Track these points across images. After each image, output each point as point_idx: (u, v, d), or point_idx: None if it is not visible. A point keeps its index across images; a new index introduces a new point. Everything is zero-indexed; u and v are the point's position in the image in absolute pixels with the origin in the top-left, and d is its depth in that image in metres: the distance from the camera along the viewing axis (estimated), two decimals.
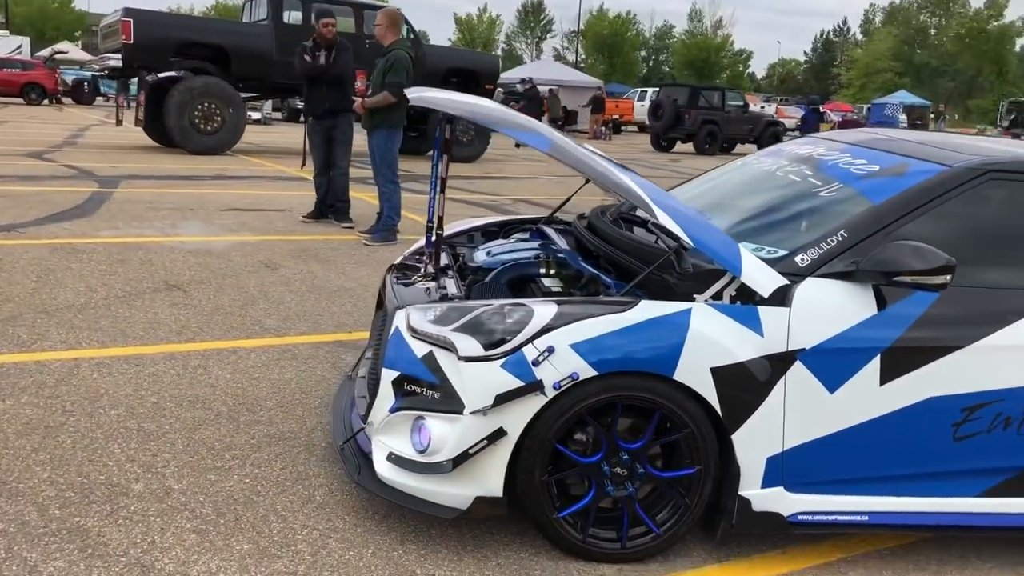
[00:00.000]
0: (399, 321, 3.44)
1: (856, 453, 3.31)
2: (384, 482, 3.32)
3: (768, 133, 29.07)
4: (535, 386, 3.07)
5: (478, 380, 3.12)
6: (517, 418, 3.11)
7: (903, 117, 48.21)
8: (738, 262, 3.22)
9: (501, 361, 3.10)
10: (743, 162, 4.52)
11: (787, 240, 3.47)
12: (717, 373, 3.16)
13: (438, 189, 3.87)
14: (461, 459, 3.13)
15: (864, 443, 3.30)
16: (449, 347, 3.21)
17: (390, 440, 3.36)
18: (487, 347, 3.13)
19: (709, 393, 3.16)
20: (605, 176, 3.38)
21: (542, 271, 3.86)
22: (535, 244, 4.29)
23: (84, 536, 3.13)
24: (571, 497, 3.28)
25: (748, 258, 3.24)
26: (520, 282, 3.81)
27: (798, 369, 3.21)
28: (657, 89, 33.49)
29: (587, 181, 3.98)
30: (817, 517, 3.33)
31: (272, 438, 4.05)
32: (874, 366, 3.25)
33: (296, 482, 3.67)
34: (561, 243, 4.25)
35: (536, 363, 3.08)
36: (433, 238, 4.02)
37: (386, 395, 3.35)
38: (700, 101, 28.83)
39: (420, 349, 3.29)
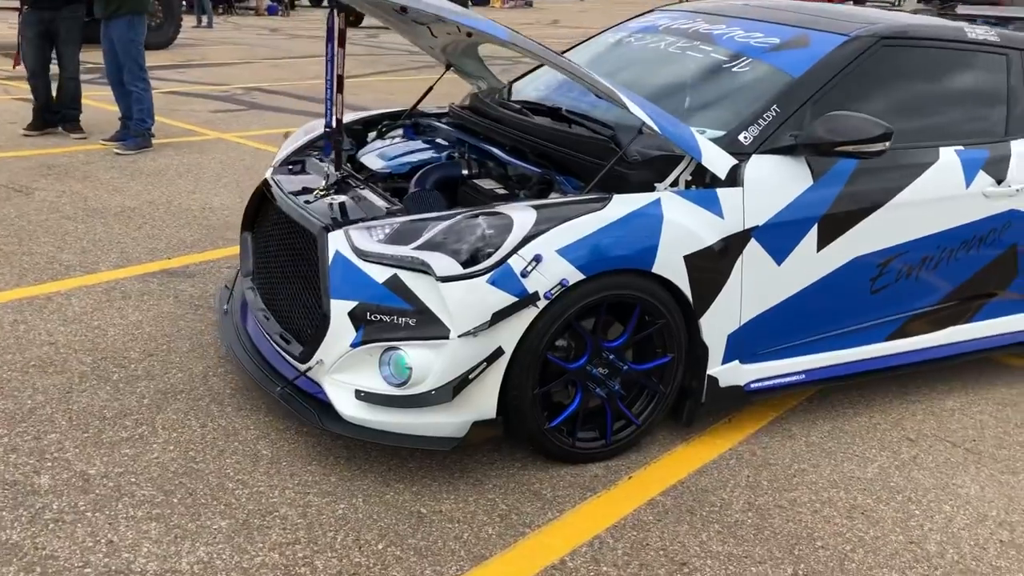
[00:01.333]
0: (338, 244, 3.06)
1: (796, 318, 3.49)
2: (356, 423, 3.01)
3: None
4: (530, 299, 2.89)
5: (463, 300, 2.88)
6: (511, 334, 2.92)
7: None
8: (697, 145, 3.18)
9: (487, 276, 2.87)
10: (619, 40, 4.43)
11: (720, 119, 3.48)
12: (689, 260, 3.15)
13: (335, 88, 3.41)
14: (461, 385, 2.90)
15: (802, 308, 3.48)
16: (420, 268, 2.91)
17: (352, 377, 3.03)
18: (467, 263, 2.87)
19: (682, 281, 3.15)
20: (565, 64, 3.15)
21: (465, 172, 3.58)
22: (427, 142, 3.97)
23: (19, 553, 2.56)
24: (555, 405, 3.17)
25: (703, 141, 3.21)
26: (444, 187, 3.51)
27: (752, 246, 3.29)
28: None
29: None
30: (766, 383, 3.50)
31: (166, 394, 3.52)
32: (812, 234, 3.40)
33: (228, 439, 3.24)
34: (448, 139, 3.97)
35: (524, 274, 2.89)
36: (332, 144, 3.57)
37: (341, 329, 3.00)
38: None
39: (380, 274, 2.96)
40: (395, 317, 2.95)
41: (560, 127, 3.55)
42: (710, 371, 3.34)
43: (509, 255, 2.89)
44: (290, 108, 9.96)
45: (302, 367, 3.15)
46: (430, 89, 4.30)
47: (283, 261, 3.46)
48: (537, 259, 2.89)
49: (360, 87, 11.67)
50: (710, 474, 3.24)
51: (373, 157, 3.81)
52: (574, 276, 2.95)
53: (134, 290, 4.52)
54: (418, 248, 2.94)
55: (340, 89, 3.42)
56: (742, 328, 3.37)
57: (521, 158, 3.52)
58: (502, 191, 3.38)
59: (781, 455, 3.41)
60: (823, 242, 3.44)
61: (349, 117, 4.25)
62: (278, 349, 3.35)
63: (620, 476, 3.18)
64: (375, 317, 2.96)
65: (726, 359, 3.37)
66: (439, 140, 3.99)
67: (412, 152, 3.80)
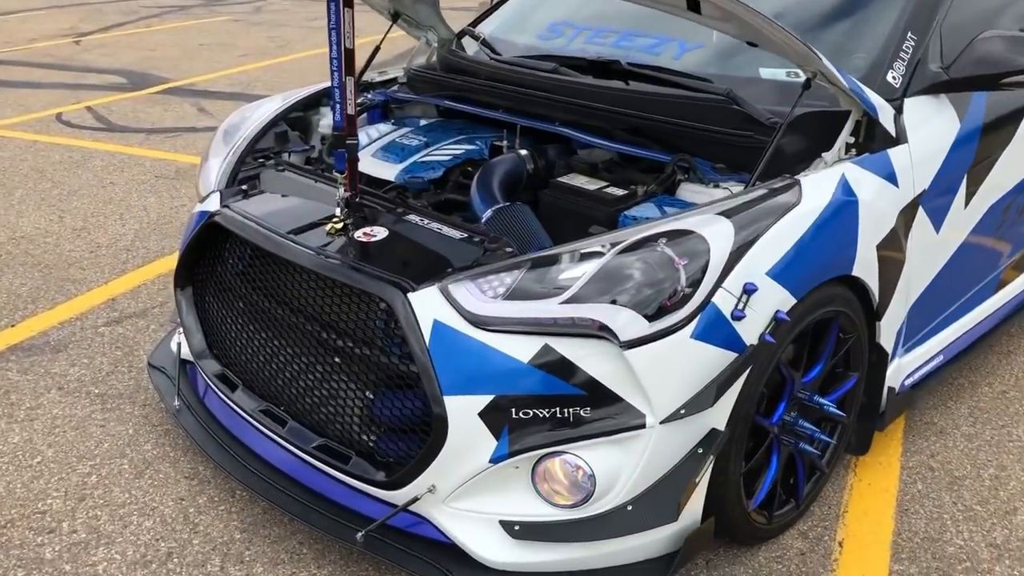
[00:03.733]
0: (434, 310, 2.01)
1: (943, 291, 2.85)
2: (512, 570, 2.04)
3: None
4: (750, 351, 2.01)
5: (662, 368, 1.95)
6: (723, 404, 2.03)
7: None
8: (867, 95, 2.38)
9: (690, 329, 1.95)
10: None
11: (847, 56, 2.68)
12: (880, 251, 2.39)
13: (343, 69, 2.25)
14: (685, 494, 1.99)
15: (949, 278, 2.83)
16: (586, 331, 1.94)
17: (491, 504, 2.05)
18: (655, 315, 1.93)
19: (872, 278, 2.39)
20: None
21: (531, 167, 2.56)
22: (429, 130, 2.89)
23: None
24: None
25: (867, 90, 2.42)
26: (507, 194, 2.49)
27: (920, 217, 2.58)
28: None
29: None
30: (916, 376, 2.84)
31: (149, 568, 2.31)
32: (962, 188, 2.75)
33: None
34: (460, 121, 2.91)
35: (737, 316, 2.00)
36: (345, 154, 2.37)
37: (467, 439, 1.99)
38: None
39: (521, 348, 1.96)
40: (558, 409, 1.96)
41: (649, 89, 2.60)
42: (889, 382, 2.63)
43: (712, 292, 1.98)
44: (44, 81, 8.01)
45: (397, 497, 2.10)
46: (377, 50, 3.16)
47: (308, 340, 2.32)
48: (748, 291, 2.01)
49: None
50: (915, 512, 2.55)
51: (377, 162, 2.69)
52: (787, 303, 2.10)
53: None
54: (572, 301, 1.95)
55: (351, 70, 2.27)
56: (906, 318, 2.67)
57: (607, 138, 2.55)
58: (619, 191, 2.41)
59: (958, 462, 2.78)
60: (969, 195, 2.79)
61: (271, 106, 3.06)
62: (328, 470, 2.25)
63: (829, 547, 2.42)
64: (525, 414, 1.97)
65: (891, 359, 2.66)
66: (446, 125, 2.92)
67: (429, 147, 2.72)
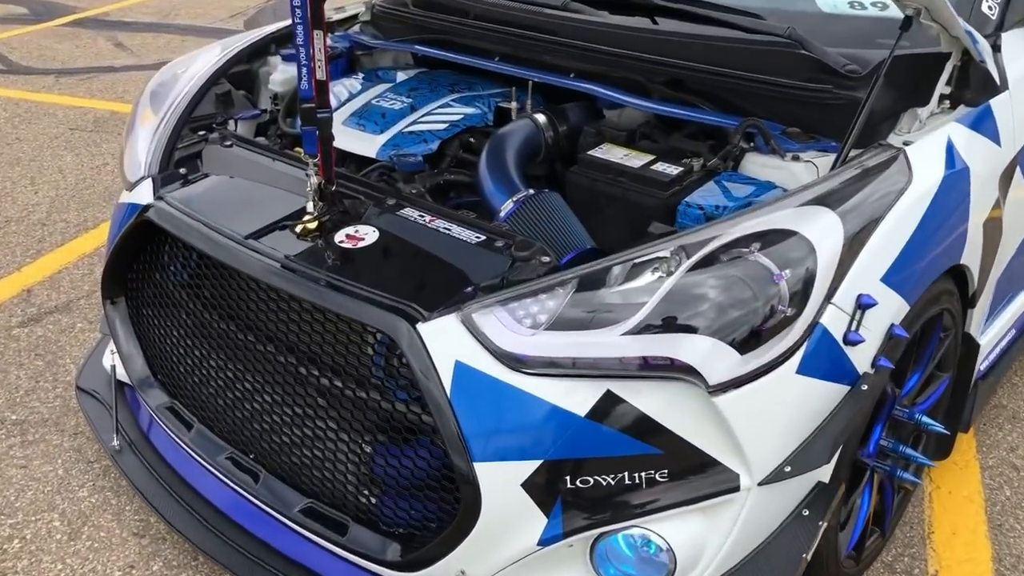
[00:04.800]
0: (455, 347, 1.52)
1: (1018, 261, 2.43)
2: None
3: None
4: (864, 383, 1.57)
5: (761, 415, 1.49)
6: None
7: None
8: (974, 33, 1.90)
9: (796, 362, 1.49)
10: None
11: None
12: (985, 228, 1.94)
13: (310, 21, 1.67)
14: (788, 569, 1.56)
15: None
16: (662, 372, 1.47)
17: None
18: (749, 346, 1.46)
19: (975, 262, 1.96)
20: None
21: (550, 135, 2.04)
22: (413, 88, 2.33)
23: None
24: None
25: (967, 26, 1.94)
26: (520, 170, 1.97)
27: (1017, 178, 2.13)
28: None
29: None
30: (991, 358, 2.44)
31: None
32: None
33: None
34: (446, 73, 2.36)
35: (850, 340, 1.54)
36: (316, 131, 1.81)
37: (505, 515, 1.52)
38: None
39: (576, 396, 1.48)
40: (626, 475, 1.50)
41: (690, 29, 2.06)
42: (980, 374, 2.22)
43: (820, 311, 1.52)
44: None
45: None
46: None
47: (281, 373, 1.80)
48: (864, 305, 1.55)
49: None
50: (1011, 528, 2.18)
51: (350, 132, 2.13)
52: (901, 313, 1.65)
53: None
54: (640, 332, 1.47)
55: (320, 20, 1.70)
56: (991, 298, 2.25)
57: (642, 95, 2.03)
58: (672, 168, 1.89)
59: None
60: None
61: (208, 59, 2.47)
62: (315, 538, 1.77)
63: None
64: (583, 482, 1.50)
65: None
66: (432, 79, 2.36)
67: (416, 111, 2.17)
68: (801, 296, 1.49)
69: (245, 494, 1.88)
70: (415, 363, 1.52)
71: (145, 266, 2.09)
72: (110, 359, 2.28)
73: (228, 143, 2.13)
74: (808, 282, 1.50)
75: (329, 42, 2.49)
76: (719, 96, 2.00)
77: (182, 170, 2.09)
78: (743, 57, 1.98)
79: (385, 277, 1.66)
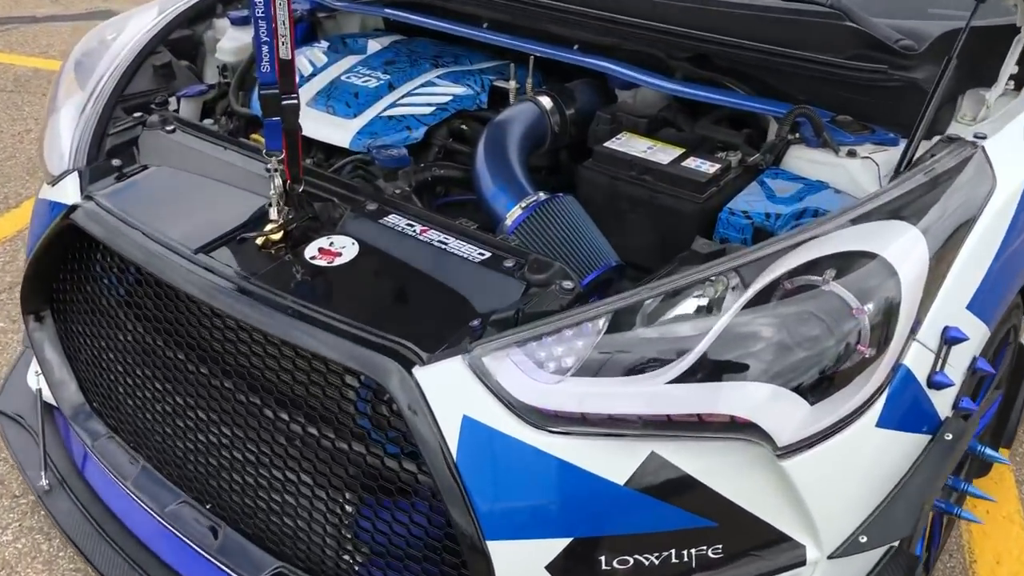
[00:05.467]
0: (459, 398, 1.23)
1: None
2: None
3: None
4: (947, 431, 1.32)
5: (834, 477, 1.24)
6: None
7: None
8: None
9: (876, 412, 1.24)
10: None
11: None
12: None
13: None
14: None
15: None
16: (718, 432, 1.20)
17: None
18: (817, 391, 1.20)
19: None
20: None
21: (555, 123, 1.73)
22: (388, 61, 1.99)
23: None
24: None
25: None
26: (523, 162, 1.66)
27: None
28: None
29: None
30: None
31: None
32: None
33: None
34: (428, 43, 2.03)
35: (938, 384, 1.29)
36: (281, 123, 1.47)
37: None
38: None
39: (614, 460, 1.21)
40: (673, 552, 1.24)
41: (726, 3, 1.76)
42: None
43: (904, 350, 1.26)
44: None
45: None
46: None
47: (242, 413, 1.50)
48: (951, 340, 1.29)
49: None
50: None
51: (317, 116, 1.79)
52: (982, 342, 1.40)
53: None
54: (689, 380, 1.19)
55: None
56: None
57: (662, 74, 1.73)
58: (708, 164, 1.59)
59: None
60: None
61: (143, 22, 2.11)
62: None
63: None
64: (622, 563, 1.24)
65: None
66: (411, 51, 2.02)
67: (395, 89, 1.83)
68: (883, 333, 1.23)
69: (201, 551, 1.58)
70: (411, 419, 1.24)
71: (74, 276, 1.76)
72: (36, 380, 1.95)
73: (170, 127, 1.79)
74: (890, 315, 1.24)
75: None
76: (752, 76, 1.71)
77: (115, 161, 1.75)
78: (780, 29, 1.69)
79: (369, 306, 1.36)
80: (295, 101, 1.47)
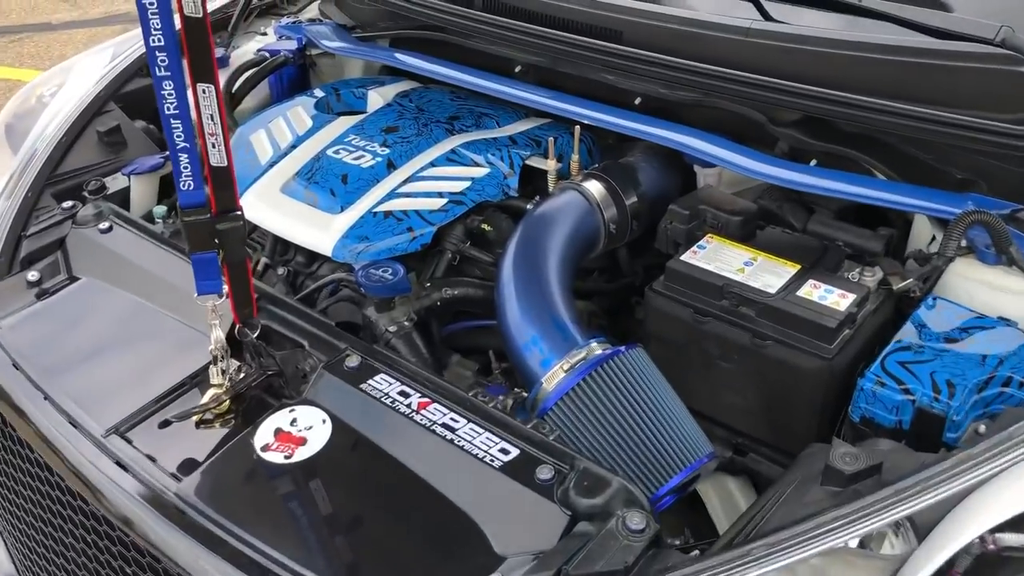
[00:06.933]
0: None
1: None
2: None
3: None
4: None
5: None
6: None
7: None
8: None
9: None
10: None
11: None
12: None
13: (188, 66, 0.90)
14: None
15: None
16: None
17: None
18: None
19: None
20: None
21: (612, 222, 1.26)
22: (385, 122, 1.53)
23: None
24: None
25: None
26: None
27: None
28: None
29: None
30: None
31: None
32: None
33: None
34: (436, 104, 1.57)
35: None
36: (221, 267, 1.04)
37: None
38: None
39: None
40: None
41: (827, 34, 1.25)
42: None
43: None
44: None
45: None
46: None
47: None
48: None
49: None
50: None
51: (291, 205, 1.34)
52: None
53: None
54: None
55: (205, 71, 0.92)
56: None
57: (756, 146, 1.25)
58: (838, 296, 1.10)
59: None
60: None
61: (92, 65, 1.69)
62: None
63: None
64: None
65: None
66: (422, 106, 1.56)
67: (395, 168, 1.37)
68: None
69: None
70: None
71: None
72: None
73: (105, 226, 1.36)
74: None
75: (273, 40, 1.73)
76: (884, 148, 1.21)
77: (31, 275, 1.32)
78: (924, 77, 1.19)
79: (330, 550, 0.92)
80: (239, 222, 1.02)
